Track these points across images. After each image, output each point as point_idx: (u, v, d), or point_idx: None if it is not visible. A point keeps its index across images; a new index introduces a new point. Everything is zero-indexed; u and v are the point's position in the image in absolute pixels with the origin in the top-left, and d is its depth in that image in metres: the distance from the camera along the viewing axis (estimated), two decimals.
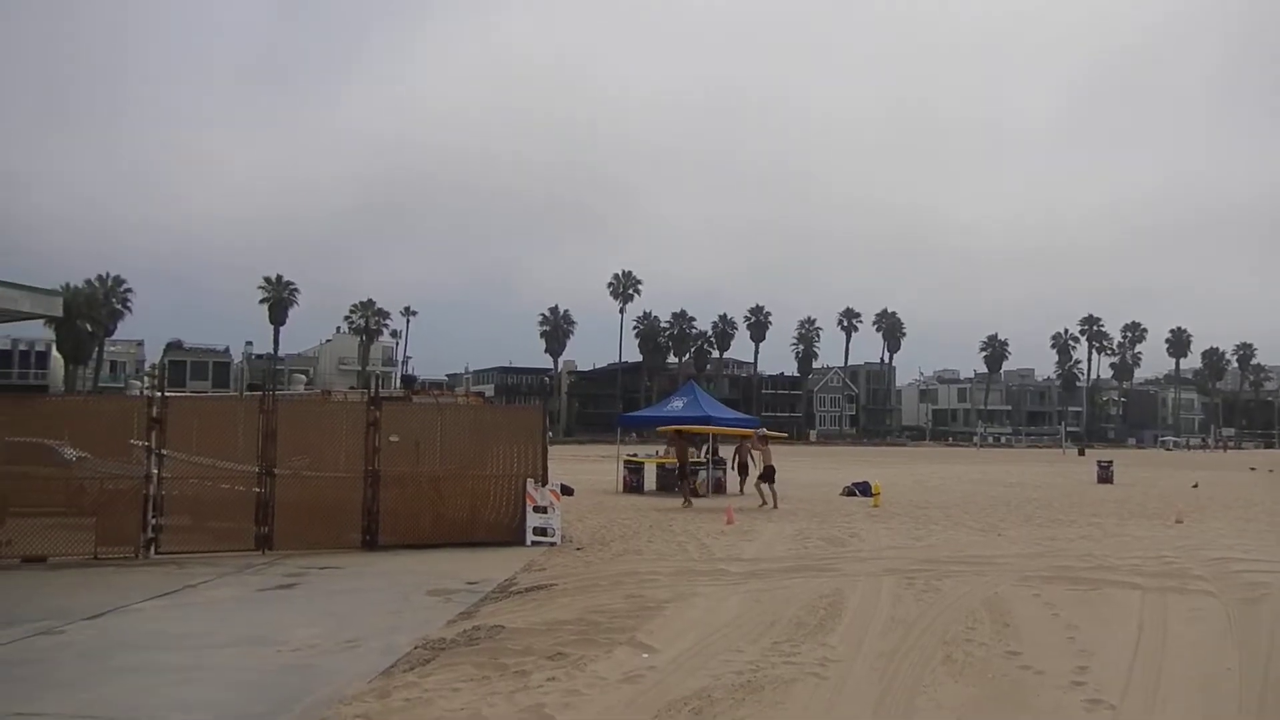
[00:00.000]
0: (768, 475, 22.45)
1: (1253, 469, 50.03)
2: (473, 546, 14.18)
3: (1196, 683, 7.30)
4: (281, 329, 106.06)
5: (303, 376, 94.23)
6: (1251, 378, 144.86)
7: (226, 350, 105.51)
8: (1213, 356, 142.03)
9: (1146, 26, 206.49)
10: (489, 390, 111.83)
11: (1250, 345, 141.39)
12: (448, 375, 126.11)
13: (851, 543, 15.70)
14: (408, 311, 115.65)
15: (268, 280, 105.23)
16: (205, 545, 13.42)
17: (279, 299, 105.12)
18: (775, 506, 21.58)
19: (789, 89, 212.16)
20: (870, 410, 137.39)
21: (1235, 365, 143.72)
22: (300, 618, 9.45)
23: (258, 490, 13.64)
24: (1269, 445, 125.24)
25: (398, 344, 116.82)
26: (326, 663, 7.70)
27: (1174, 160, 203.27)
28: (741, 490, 25.77)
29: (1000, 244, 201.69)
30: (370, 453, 14.18)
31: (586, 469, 36.67)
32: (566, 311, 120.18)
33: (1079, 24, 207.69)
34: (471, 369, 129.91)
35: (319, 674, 7.33)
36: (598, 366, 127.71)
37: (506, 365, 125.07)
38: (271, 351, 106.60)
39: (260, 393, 15.22)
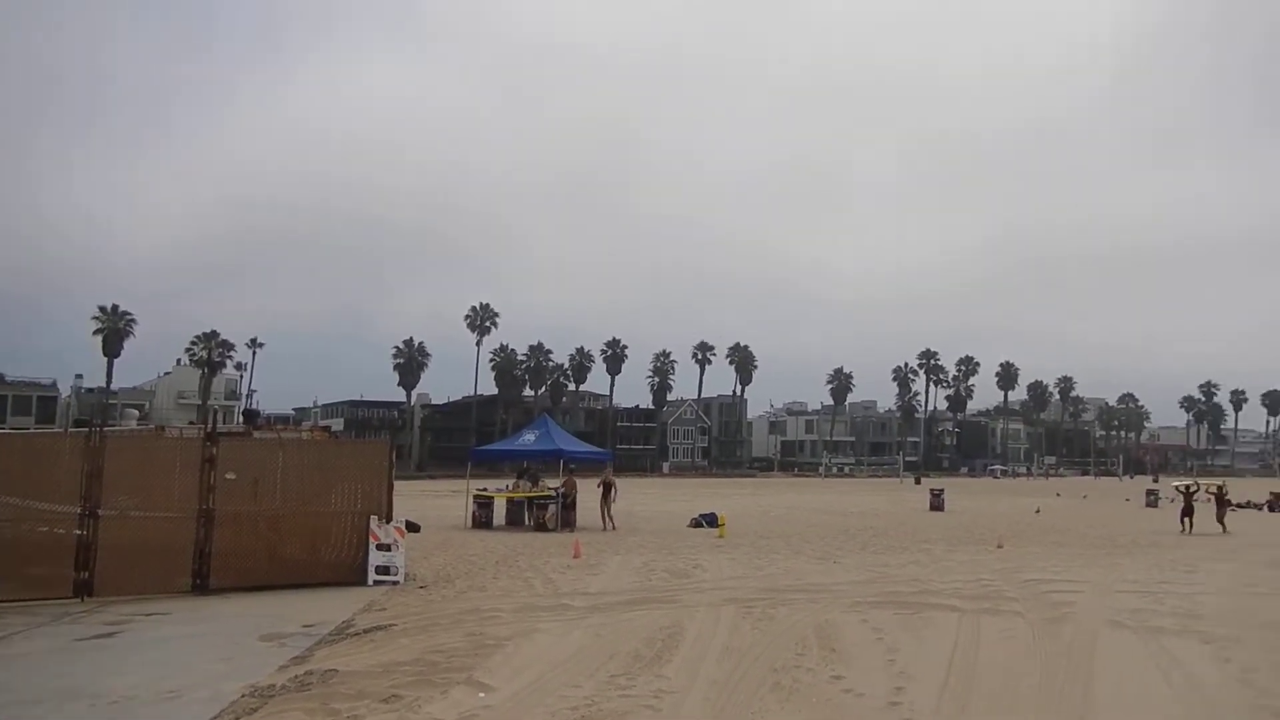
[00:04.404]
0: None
1: (1085, 496, 53.85)
2: (313, 587, 13.80)
3: (1001, 699, 7.85)
4: (116, 361, 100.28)
5: (135, 411, 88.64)
6: (1071, 409, 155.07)
7: (54, 384, 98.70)
8: (1037, 389, 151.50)
9: (968, 97, 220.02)
10: (338, 424, 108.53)
11: (1070, 378, 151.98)
12: (295, 409, 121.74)
13: (695, 574, 16.04)
14: (254, 343, 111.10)
15: (103, 310, 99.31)
16: (16, 594, 12.53)
17: (114, 329, 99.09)
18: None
19: (649, 130, 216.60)
20: (722, 442, 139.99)
21: (1057, 397, 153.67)
22: (120, 668, 9.00)
23: (79, 532, 12.92)
24: (1085, 472, 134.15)
25: (242, 377, 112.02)
26: (146, 714, 7.39)
27: (1004, 211, 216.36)
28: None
29: (847, 284, 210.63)
30: (204, 491, 13.64)
31: (436, 504, 36.13)
32: (421, 344, 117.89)
33: (917, 91, 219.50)
34: (321, 403, 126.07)
35: None
36: (453, 399, 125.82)
37: (357, 399, 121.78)
38: (104, 385, 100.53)
39: (87, 429, 14.39)
